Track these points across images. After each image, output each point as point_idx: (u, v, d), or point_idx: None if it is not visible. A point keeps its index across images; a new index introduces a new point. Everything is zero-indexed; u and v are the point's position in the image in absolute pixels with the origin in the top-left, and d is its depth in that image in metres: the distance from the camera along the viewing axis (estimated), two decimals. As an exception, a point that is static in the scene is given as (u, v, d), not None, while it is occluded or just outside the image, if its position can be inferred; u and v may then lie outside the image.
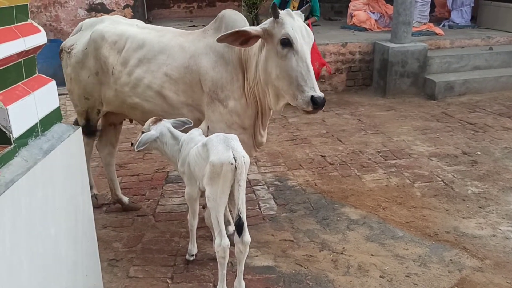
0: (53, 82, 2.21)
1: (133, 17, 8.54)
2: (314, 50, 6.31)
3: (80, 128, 2.33)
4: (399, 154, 4.99)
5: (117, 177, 4.54)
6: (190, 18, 9.77)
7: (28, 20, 2.08)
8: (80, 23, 3.67)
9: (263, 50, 2.88)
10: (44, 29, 2.24)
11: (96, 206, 3.98)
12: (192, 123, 3.07)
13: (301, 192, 4.20)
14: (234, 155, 2.43)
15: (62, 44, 3.64)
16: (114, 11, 8.50)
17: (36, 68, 2.14)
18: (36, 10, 8.32)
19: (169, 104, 3.22)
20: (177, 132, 2.97)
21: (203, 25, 8.86)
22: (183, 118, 3.06)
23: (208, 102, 3.11)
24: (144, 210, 3.97)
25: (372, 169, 4.64)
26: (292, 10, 5.68)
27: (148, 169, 4.79)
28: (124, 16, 8.47)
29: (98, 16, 6.72)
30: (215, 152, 2.44)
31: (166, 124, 2.97)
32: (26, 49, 2.00)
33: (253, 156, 3.40)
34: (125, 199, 3.97)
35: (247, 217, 3.70)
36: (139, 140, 2.86)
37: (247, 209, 3.86)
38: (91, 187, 4.00)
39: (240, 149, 2.50)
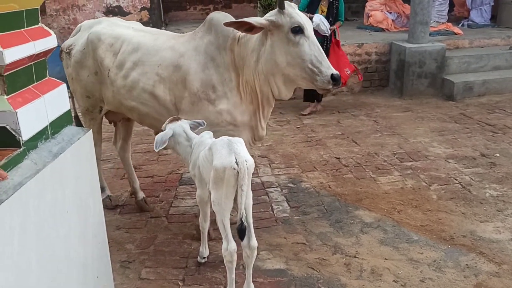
0: (64, 85, 2.22)
1: (150, 19, 8.62)
2: (343, 56, 6.27)
3: (91, 131, 2.34)
4: (415, 156, 4.92)
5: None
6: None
7: (39, 23, 2.09)
8: (79, 24, 3.75)
9: (266, 42, 2.97)
10: (63, 32, 2.27)
11: (110, 207, 4.03)
12: (206, 124, 3.07)
13: (314, 195, 4.17)
14: (236, 160, 2.40)
15: (62, 45, 3.71)
16: (131, 13, 8.58)
17: (47, 71, 2.16)
18: (55, 13, 8.44)
19: (161, 104, 3.27)
20: (191, 133, 2.95)
21: (219, 26, 8.95)
22: (199, 120, 3.05)
23: (194, 102, 3.15)
24: (157, 211, 3.98)
25: (388, 172, 4.58)
26: (321, 14, 5.67)
27: (162, 170, 4.81)
28: (141, 19, 8.58)
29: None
30: (218, 156, 2.43)
31: (182, 124, 2.96)
32: (37, 53, 2.01)
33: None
34: (141, 194, 4.04)
35: (259, 219, 3.78)
36: (155, 140, 2.87)
37: (259, 211, 3.91)
38: (103, 189, 4.06)
39: (244, 153, 2.47)
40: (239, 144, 2.52)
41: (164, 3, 9.98)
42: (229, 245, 2.52)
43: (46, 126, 2.05)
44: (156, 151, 2.91)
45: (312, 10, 6.01)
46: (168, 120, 3.01)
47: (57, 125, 2.15)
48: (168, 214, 3.93)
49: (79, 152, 2.20)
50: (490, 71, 7.21)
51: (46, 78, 2.15)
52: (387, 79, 7.41)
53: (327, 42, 6.07)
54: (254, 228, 3.57)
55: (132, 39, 3.37)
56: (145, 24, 8.52)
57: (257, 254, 3.28)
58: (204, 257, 3.16)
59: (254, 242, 2.55)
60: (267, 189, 4.30)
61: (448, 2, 8.13)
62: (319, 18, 5.90)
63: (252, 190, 4.17)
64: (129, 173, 4.07)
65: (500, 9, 8.74)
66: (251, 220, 2.54)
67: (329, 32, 6.01)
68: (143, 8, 8.57)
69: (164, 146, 2.88)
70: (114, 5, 8.55)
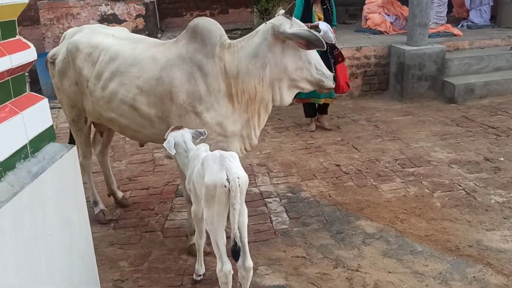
0: (45, 100, 2.11)
1: (145, 26, 8.52)
2: (343, 68, 5.76)
3: (75, 147, 2.22)
4: (418, 162, 4.79)
5: (127, 191, 4.51)
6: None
7: (17, 36, 1.98)
8: (64, 33, 3.66)
9: (275, 48, 2.98)
10: (57, 42, 2.17)
11: (104, 222, 3.92)
12: (207, 135, 2.95)
13: (314, 204, 4.04)
14: (227, 176, 2.27)
15: (47, 55, 3.66)
16: (126, 21, 8.48)
17: (26, 86, 2.04)
18: (49, 22, 8.35)
19: (143, 117, 3.14)
20: (190, 144, 2.79)
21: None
22: (201, 129, 2.91)
23: (180, 114, 3.03)
24: (152, 225, 3.86)
25: (389, 178, 4.45)
26: (319, 21, 5.39)
27: (158, 182, 4.68)
28: (136, 26, 8.49)
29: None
30: (209, 173, 2.30)
31: (183, 133, 2.80)
32: (13, 67, 1.90)
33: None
34: (119, 194, 4.18)
35: (258, 232, 3.65)
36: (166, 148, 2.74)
37: (258, 223, 3.78)
38: (97, 203, 3.97)
39: (236, 169, 2.33)
40: (232, 159, 2.39)
41: (160, 10, 9.88)
42: (223, 266, 2.38)
43: (25, 145, 1.94)
44: (173, 153, 2.75)
45: (307, 19, 5.44)
46: (170, 128, 2.88)
47: (38, 142, 2.03)
48: (163, 228, 3.81)
49: (62, 170, 2.09)
50: (491, 72, 7.08)
51: (26, 93, 2.04)
52: (387, 82, 7.28)
53: (331, 49, 5.50)
54: (252, 242, 3.50)
55: (110, 48, 3.24)
56: (140, 31, 8.48)
57: (256, 269, 3.18)
58: (200, 275, 3.03)
59: (249, 263, 2.41)
60: (266, 200, 4.17)
61: (446, 3, 8.00)
62: (326, 25, 5.39)
63: (250, 201, 4.15)
64: (107, 175, 4.11)
65: (500, 9, 8.61)
66: (245, 240, 2.40)
67: (335, 40, 5.57)
68: (138, 16, 8.47)
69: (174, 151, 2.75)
70: (109, 12, 8.46)
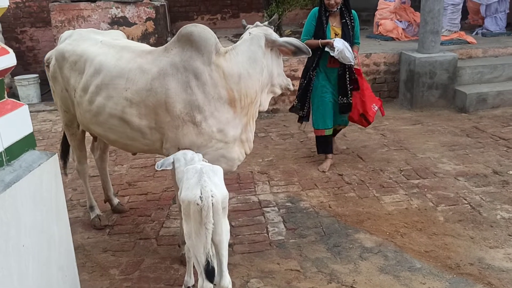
0: (25, 107, 2.06)
1: (155, 29, 8.50)
2: (367, 90, 4.88)
3: (56, 155, 2.17)
4: (423, 173, 4.65)
5: (125, 196, 4.47)
6: (214, 30, 9.63)
7: (-5, 41, 1.93)
8: (60, 35, 3.64)
9: (267, 55, 3.11)
10: None
11: (99, 227, 3.88)
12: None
13: (313, 215, 3.94)
14: (201, 194, 2.17)
15: (44, 58, 3.64)
16: (136, 24, 8.47)
17: (5, 92, 1.99)
18: (60, 24, 8.38)
19: (133, 129, 3.07)
20: (192, 161, 2.62)
21: (226, 36, 8.80)
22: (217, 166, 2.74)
23: (178, 125, 2.95)
24: (147, 232, 3.80)
25: (392, 190, 4.33)
26: (335, 37, 4.56)
27: (157, 187, 4.63)
28: (146, 29, 8.49)
29: (120, 30, 6.68)
30: (186, 187, 2.22)
31: (186, 151, 2.71)
32: (-11, 73, 1.85)
33: (236, 167, 3.28)
34: (115, 201, 4.16)
35: (253, 242, 3.57)
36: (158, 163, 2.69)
37: (254, 233, 3.70)
38: (93, 208, 3.94)
39: (212, 187, 2.21)
40: (211, 175, 2.28)
41: (171, 13, 9.87)
42: (204, 283, 2.27)
43: (0, 153, 1.88)
44: (157, 169, 2.70)
45: (321, 34, 4.59)
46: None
47: (16, 150, 1.98)
48: (158, 235, 3.75)
49: (40, 179, 2.03)
50: (505, 82, 6.89)
51: (4, 99, 1.99)
52: (397, 90, 7.14)
53: (349, 72, 4.68)
54: (246, 252, 3.44)
55: (94, 60, 3.14)
56: (150, 34, 8.49)
57: (247, 281, 3.11)
58: (189, 286, 2.95)
59: (225, 283, 2.30)
60: (264, 209, 4.08)
61: (460, 10, 7.83)
62: (343, 43, 4.43)
63: (248, 210, 4.08)
64: (105, 181, 4.08)
65: (516, 17, 8.42)
66: (223, 258, 2.30)
67: (355, 60, 4.60)
68: (148, 19, 8.45)
69: (164, 168, 2.68)
70: (119, 15, 8.45)
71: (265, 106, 3.27)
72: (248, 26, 3.35)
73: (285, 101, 6.94)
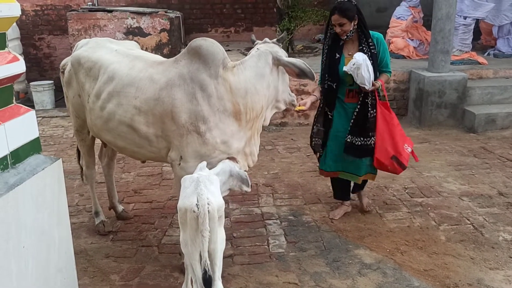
0: (32, 112, 2.14)
1: (169, 41, 8.64)
2: (398, 126, 3.94)
3: (60, 160, 2.24)
4: (427, 192, 4.65)
5: (130, 203, 4.53)
6: (227, 43, 9.78)
7: (6, 48, 2.01)
8: (76, 43, 3.74)
9: (274, 72, 3.19)
10: None
11: (103, 233, 3.93)
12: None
13: (314, 229, 3.96)
14: (197, 202, 2.22)
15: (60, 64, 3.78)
16: (151, 34, 8.63)
17: (13, 98, 2.07)
18: (77, 33, 8.56)
19: (141, 137, 3.15)
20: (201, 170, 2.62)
21: (238, 49, 8.91)
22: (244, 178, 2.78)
23: (182, 134, 3.02)
24: (150, 240, 3.85)
25: (395, 207, 4.33)
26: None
27: (162, 196, 4.69)
28: (160, 40, 8.63)
29: (135, 40, 6.81)
30: (183, 196, 2.27)
31: (201, 165, 2.68)
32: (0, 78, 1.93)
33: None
34: (120, 208, 4.22)
35: (253, 254, 3.59)
36: None
37: (254, 245, 3.72)
38: (98, 214, 4.00)
39: (208, 195, 2.25)
40: (208, 184, 2.33)
41: (186, 25, 10.03)
42: (199, 293, 2.30)
43: (6, 156, 1.96)
44: None
45: (333, 65, 3.79)
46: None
47: (21, 154, 2.05)
48: (160, 243, 3.79)
49: (43, 183, 2.10)
50: (515, 103, 6.87)
51: (12, 104, 2.06)
52: (406, 108, 7.16)
53: (370, 107, 3.78)
54: (245, 264, 3.47)
55: (108, 68, 3.25)
56: (164, 45, 8.63)
57: (245, 293, 3.12)
58: (186, 294, 2.98)
59: None
60: (266, 221, 4.11)
61: (472, 30, 7.83)
62: (364, 59, 3.59)
63: (250, 222, 4.11)
64: (110, 189, 4.14)
65: (529, 39, 8.40)
66: (216, 268, 2.34)
67: (370, 84, 3.65)
68: (162, 30, 8.60)
69: None
70: (135, 26, 8.62)
71: (268, 121, 3.34)
72: (257, 41, 3.42)
73: (294, 115, 6.99)
